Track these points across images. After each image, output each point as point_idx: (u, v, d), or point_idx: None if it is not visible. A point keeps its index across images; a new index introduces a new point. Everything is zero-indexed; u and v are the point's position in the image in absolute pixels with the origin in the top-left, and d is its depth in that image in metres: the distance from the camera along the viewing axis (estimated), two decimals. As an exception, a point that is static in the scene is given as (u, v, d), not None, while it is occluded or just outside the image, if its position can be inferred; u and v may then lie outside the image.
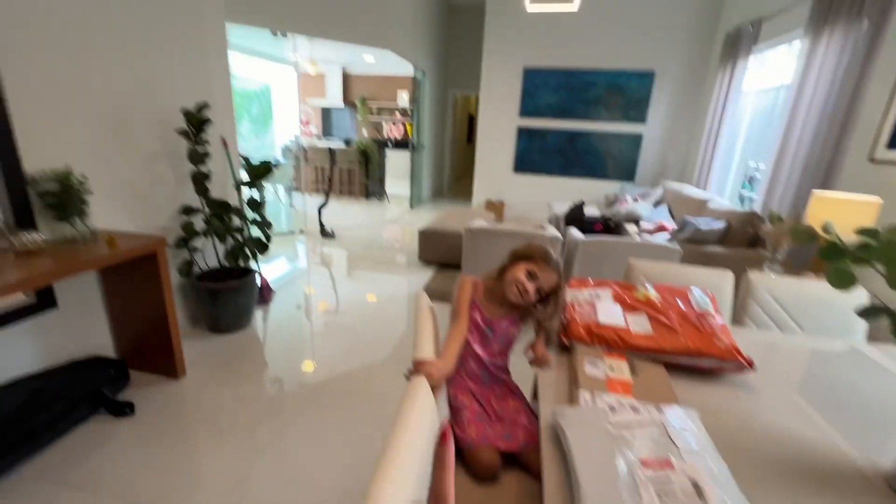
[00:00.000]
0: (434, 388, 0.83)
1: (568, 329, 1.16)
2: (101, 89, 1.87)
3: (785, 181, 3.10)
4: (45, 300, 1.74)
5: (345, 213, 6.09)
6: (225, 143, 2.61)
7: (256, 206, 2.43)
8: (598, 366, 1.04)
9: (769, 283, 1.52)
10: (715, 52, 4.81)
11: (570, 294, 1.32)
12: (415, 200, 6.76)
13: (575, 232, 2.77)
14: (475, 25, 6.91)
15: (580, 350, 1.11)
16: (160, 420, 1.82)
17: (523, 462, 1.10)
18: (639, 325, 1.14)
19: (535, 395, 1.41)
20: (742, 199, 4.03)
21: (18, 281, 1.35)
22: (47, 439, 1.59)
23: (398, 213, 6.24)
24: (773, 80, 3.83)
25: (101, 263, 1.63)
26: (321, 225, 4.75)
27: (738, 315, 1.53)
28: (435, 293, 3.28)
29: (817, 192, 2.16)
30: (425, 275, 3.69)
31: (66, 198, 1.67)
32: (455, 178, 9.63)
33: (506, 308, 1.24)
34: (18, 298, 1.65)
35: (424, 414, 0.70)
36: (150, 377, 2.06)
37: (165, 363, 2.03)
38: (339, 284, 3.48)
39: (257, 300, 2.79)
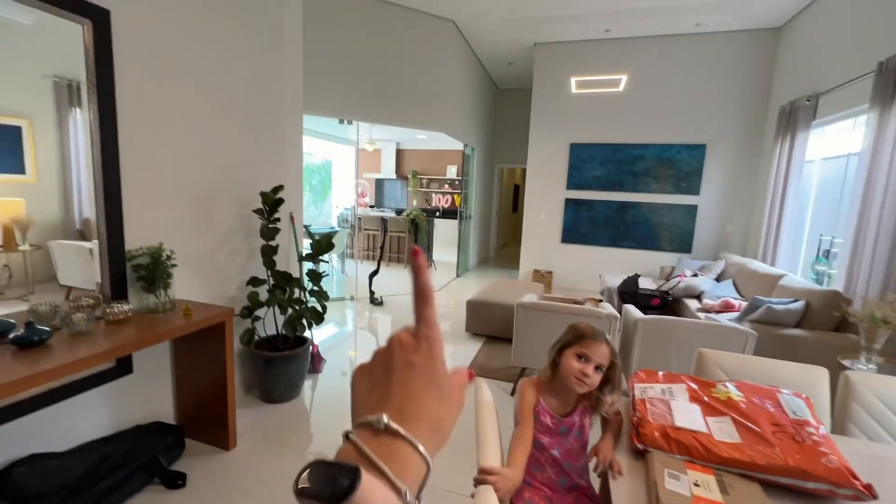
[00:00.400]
0: (501, 501, 0.77)
1: (640, 430, 1.06)
2: (194, 174, 2.13)
3: (871, 256, 2.83)
4: (123, 366, 1.86)
5: (393, 279, 6.23)
6: (292, 219, 2.83)
7: (316, 277, 2.56)
8: (680, 479, 0.93)
9: (872, 382, 1.33)
10: (769, 124, 4.75)
11: (639, 388, 1.23)
12: (461, 268, 6.83)
13: (633, 310, 2.64)
14: (520, 104, 7.37)
15: (656, 458, 1.00)
16: (209, 494, 1.80)
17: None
18: (723, 432, 1.02)
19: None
20: (818, 274, 3.71)
21: (109, 349, 1.47)
22: (105, 508, 1.61)
23: (445, 281, 6.29)
24: (840, 148, 3.68)
25: (178, 333, 1.74)
26: (371, 292, 4.87)
27: (839, 421, 1.34)
28: (484, 368, 3.18)
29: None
30: (472, 346, 3.61)
31: (155, 271, 1.85)
32: (500, 245, 9.72)
33: (573, 401, 1.18)
34: (102, 364, 1.78)
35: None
36: (202, 447, 2.08)
37: (219, 434, 2.06)
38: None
39: (308, 369, 2.83)
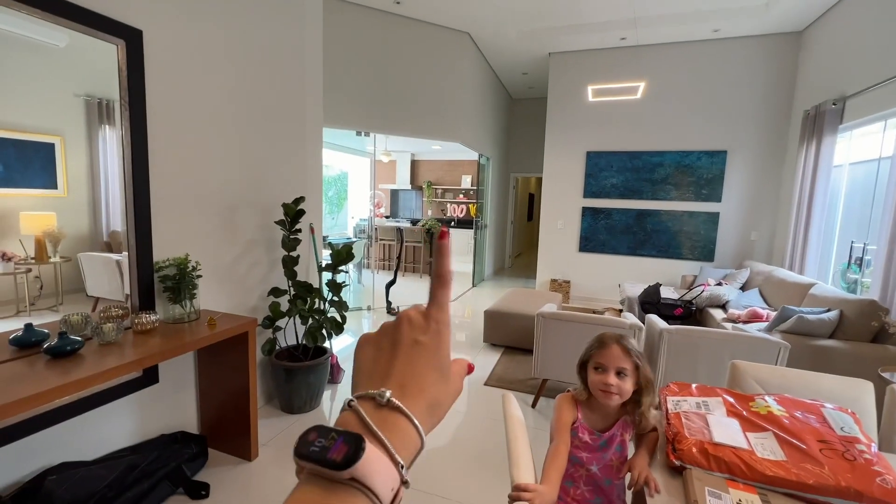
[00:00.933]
0: None
1: (677, 446, 1.02)
2: (219, 186, 2.17)
3: (907, 266, 2.72)
4: (150, 376, 1.89)
5: (409, 289, 6.24)
6: (312, 230, 2.86)
7: (337, 287, 2.57)
8: (722, 499, 0.89)
9: (923, 397, 1.26)
10: (793, 129, 4.64)
11: (672, 402, 1.19)
12: (477, 277, 6.80)
13: (657, 320, 2.58)
14: (535, 114, 7.37)
15: (695, 475, 0.96)
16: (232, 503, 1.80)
17: None
18: (766, 449, 0.98)
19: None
20: (850, 283, 3.57)
21: (138, 359, 1.49)
22: (130, 518, 1.62)
23: (461, 291, 6.27)
24: (870, 152, 3.56)
25: (203, 343, 1.76)
26: (388, 302, 4.88)
27: (886, 438, 1.26)
28: (503, 380, 3.13)
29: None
30: (491, 357, 3.56)
31: (181, 281, 1.88)
32: (516, 255, 9.66)
33: (613, 415, 1.14)
34: (130, 373, 1.81)
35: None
36: (225, 457, 2.09)
37: (241, 444, 2.06)
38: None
39: (328, 380, 2.83)
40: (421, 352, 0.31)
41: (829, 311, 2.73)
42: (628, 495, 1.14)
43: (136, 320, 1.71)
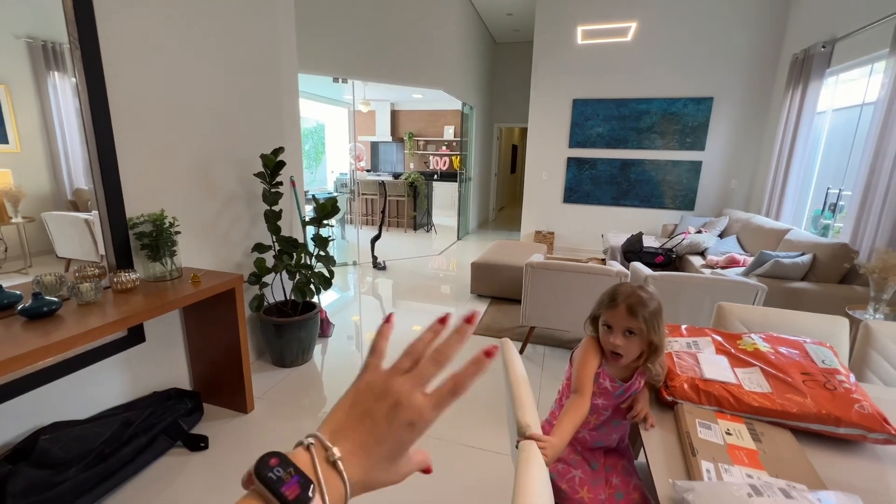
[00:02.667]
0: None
1: (669, 383, 1.06)
2: (190, 137, 2.03)
3: (880, 208, 2.81)
4: (136, 335, 1.85)
5: (394, 244, 6.20)
6: (293, 183, 2.74)
7: (323, 242, 2.51)
8: (712, 429, 0.94)
9: (893, 331, 1.33)
10: (780, 74, 4.58)
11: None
12: (462, 231, 6.79)
13: (641, 267, 2.63)
14: (518, 60, 7.07)
15: (686, 409, 1.00)
16: (230, 455, 1.84)
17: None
18: (753, 383, 1.02)
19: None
20: (823, 227, 3.70)
21: (121, 318, 1.44)
22: (132, 470, 1.64)
23: (446, 244, 6.27)
24: (854, 97, 3.57)
25: (188, 301, 1.71)
26: (374, 257, 4.84)
27: (858, 368, 1.35)
28: (491, 329, 3.21)
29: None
30: (477, 307, 3.62)
31: (159, 239, 1.79)
32: (499, 208, 9.64)
33: (630, 368, 1.11)
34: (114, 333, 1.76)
35: (543, 489, 0.64)
36: (221, 411, 2.11)
37: (236, 398, 2.08)
38: (382, 311, 3.48)
39: (318, 334, 2.84)
40: (386, 434, 0.32)
41: (802, 254, 2.84)
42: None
43: (116, 279, 1.64)
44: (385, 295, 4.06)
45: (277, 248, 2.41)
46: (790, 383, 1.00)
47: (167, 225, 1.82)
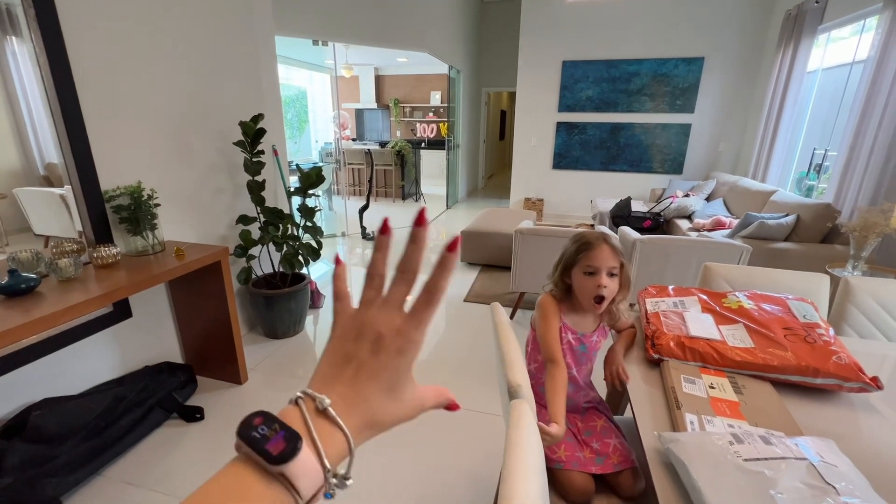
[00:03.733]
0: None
1: (656, 341, 1.08)
2: (165, 107, 1.93)
3: (863, 170, 2.84)
4: (121, 310, 1.82)
5: (382, 214, 6.09)
6: (276, 152, 2.66)
7: (309, 212, 2.46)
8: (696, 383, 0.96)
9: (871, 286, 1.37)
10: (772, 32, 4.49)
11: (651, 302, 1.24)
12: (451, 200, 6.73)
13: (630, 231, 2.65)
14: (506, 21, 6.80)
15: (671, 366, 1.03)
16: (226, 425, 1.87)
17: (612, 483, 1.04)
18: (737, 338, 1.05)
19: (612, 407, 1.34)
20: (807, 188, 3.74)
21: (103, 294, 1.41)
22: (128, 443, 1.66)
23: (436, 214, 6.22)
24: (844, 56, 3.53)
25: (172, 275, 1.68)
26: (362, 228, 4.80)
27: (836, 322, 1.39)
28: (481, 295, 3.24)
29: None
30: (469, 275, 3.65)
31: (138, 211, 1.73)
32: (488, 175, 9.54)
33: (594, 318, 1.17)
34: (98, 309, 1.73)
35: (534, 444, 0.66)
36: (215, 383, 2.12)
37: (229, 370, 2.09)
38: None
39: (309, 305, 2.84)
40: (376, 368, 0.29)
41: (787, 215, 2.88)
42: (600, 387, 1.22)
43: (95, 254, 1.60)
44: (367, 261, 4.04)
45: (263, 219, 2.36)
46: (772, 338, 1.03)
47: (145, 197, 1.76)
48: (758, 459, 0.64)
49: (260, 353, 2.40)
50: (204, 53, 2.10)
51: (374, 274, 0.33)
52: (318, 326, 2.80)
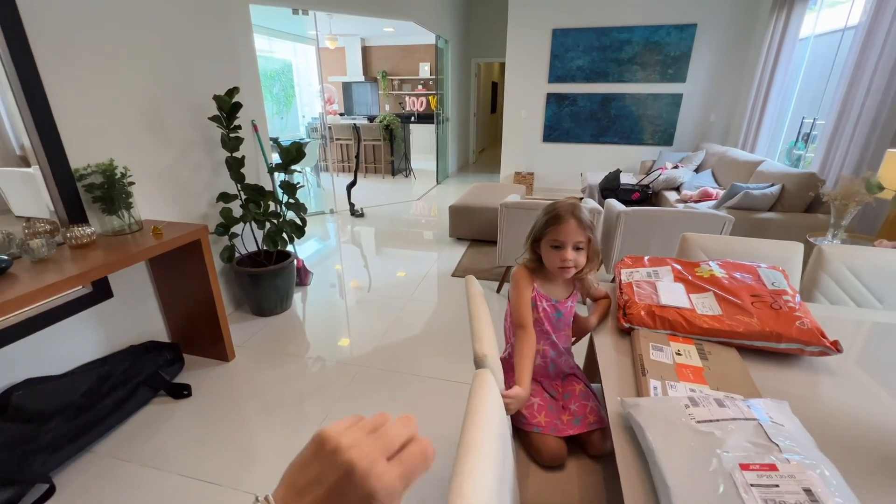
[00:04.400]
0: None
1: (627, 311, 1.10)
2: (134, 81, 1.86)
3: (849, 138, 2.83)
4: (101, 290, 1.81)
5: (372, 190, 6.07)
6: (255, 128, 2.59)
7: (291, 189, 2.43)
8: (663, 350, 0.98)
9: (843, 253, 1.39)
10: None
11: (626, 273, 1.25)
12: (441, 175, 6.66)
13: (615, 203, 2.65)
14: (498, -14, 6.54)
15: (642, 334, 1.05)
16: (215, 400, 1.89)
17: (583, 442, 1.08)
18: (705, 306, 1.07)
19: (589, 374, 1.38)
20: (796, 158, 3.74)
21: (79, 273, 1.40)
22: (115, 421, 1.68)
23: (426, 189, 6.17)
24: (837, 21, 3.45)
25: (150, 254, 1.66)
26: (350, 204, 4.75)
27: (808, 290, 1.42)
28: (469, 270, 3.25)
29: (893, 151, 1.96)
30: (457, 250, 3.65)
31: (112, 190, 1.70)
32: (480, 150, 9.42)
33: (565, 286, 1.20)
34: (78, 290, 1.72)
35: (494, 410, 0.67)
36: (202, 360, 2.14)
37: (216, 347, 2.10)
38: (370, 263, 3.49)
39: (296, 282, 2.84)
40: None
41: (772, 185, 2.89)
42: (578, 357, 1.25)
43: (69, 234, 1.57)
44: (364, 242, 4.03)
45: (244, 196, 2.32)
46: (740, 305, 1.04)
47: (118, 176, 1.72)
48: (710, 421, 0.66)
49: (247, 331, 2.42)
50: (174, 23, 2.01)
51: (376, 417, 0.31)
52: (307, 304, 2.81)
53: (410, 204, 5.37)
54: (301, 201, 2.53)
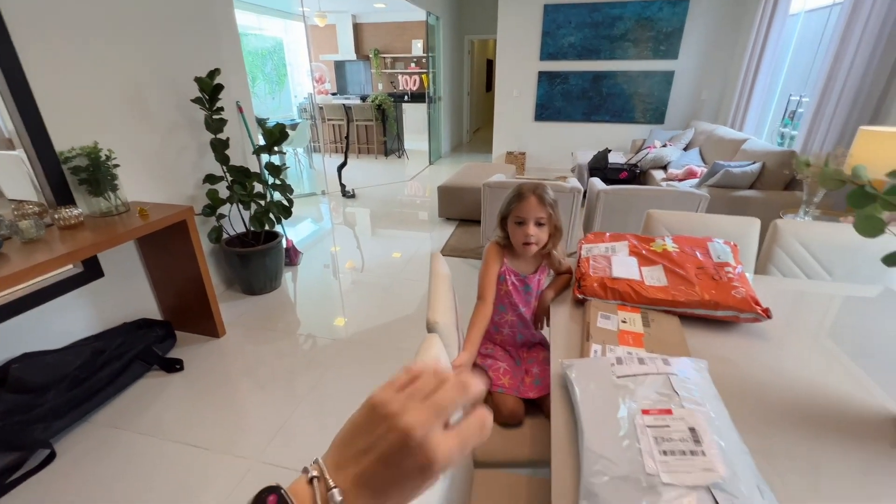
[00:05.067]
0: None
1: (582, 283, 1.17)
2: (115, 64, 1.88)
3: (831, 115, 2.86)
4: (92, 270, 1.88)
5: (364, 171, 6.08)
6: (240, 109, 2.61)
7: (276, 170, 2.47)
8: (610, 319, 1.06)
9: (797, 228, 1.45)
10: (759, -30, 4.30)
11: (586, 248, 1.32)
12: (434, 155, 6.66)
13: (597, 182, 2.69)
14: (490, -41, 6.39)
15: (593, 304, 1.12)
16: (208, 374, 1.99)
17: (542, 404, 1.17)
18: (654, 278, 1.14)
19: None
20: (783, 136, 3.76)
21: (67, 253, 1.46)
22: (111, 392, 1.78)
23: (418, 170, 6.18)
24: (826, -1, 3.42)
25: (137, 234, 1.72)
26: (342, 186, 4.78)
27: (763, 264, 1.49)
28: (456, 249, 3.32)
29: (865, 128, 1.99)
30: (446, 230, 3.71)
31: (97, 172, 1.75)
32: (474, 129, 9.36)
33: (536, 260, 1.27)
34: (69, 269, 1.79)
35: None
36: (194, 337, 2.23)
37: (206, 324, 2.19)
38: (363, 243, 3.56)
39: (286, 262, 2.91)
40: (392, 484, 0.26)
41: (753, 163, 2.93)
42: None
43: (57, 215, 1.63)
44: (355, 223, 4.09)
45: (230, 178, 2.37)
46: (684, 276, 1.11)
47: (103, 158, 1.76)
48: (628, 376, 0.74)
49: (238, 309, 2.50)
50: (154, 3, 2.02)
51: (426, 369, 0.30)
52: (298, 283, 2.88)
53: (403, 185, 5.40)
54: (287, 182, 2.58)
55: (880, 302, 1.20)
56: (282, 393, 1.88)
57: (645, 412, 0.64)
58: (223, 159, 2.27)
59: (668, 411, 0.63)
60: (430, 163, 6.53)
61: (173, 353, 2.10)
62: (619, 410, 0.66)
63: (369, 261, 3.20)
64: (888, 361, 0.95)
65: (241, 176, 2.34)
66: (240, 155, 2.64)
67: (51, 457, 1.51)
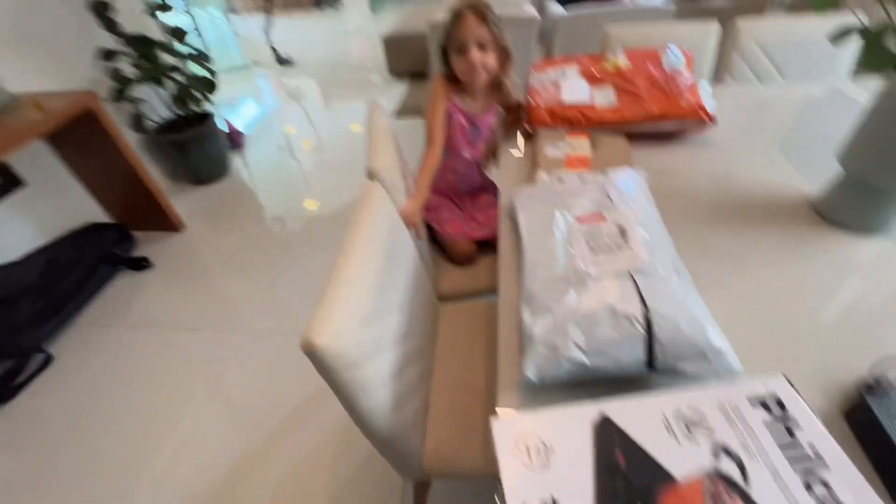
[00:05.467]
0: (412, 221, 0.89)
1: (530, 115, 1.11)
2: None
3: None
4: (8, 179, 1.70)
5: (298, 31, 5.26)
6: (112, -45, 2.07)
7: (180, 35, 2.09)
8: (558, 146, 1.04)
9: (756, 27, 1.36)
10: None
11: (535, 77, 1.22)
12: (376, 3, 5.72)
13: (555, 7, 2.40)
14: None
15: (543, 134, 1.08)
16: (181, 266, 1.99)
17: (494, 244, 1.22)
18: (604, 99, 1.09)
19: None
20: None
21: (-40, 161, 1.29)
22: (87, 295, 1.79)
23: (359, 22, 5.38)
24: None
25: (39, 129, 1.52)
26: (273, 51, 4.18)
27: (720, 72, 1.43)
28: (411, 110, 3.09)
29: None
30: (395, 89, 3.40)
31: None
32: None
33: (484, 98, 1.17)
34: (-20, 181, 1.62)
35: (380, 223, 0.74)
36: (153, 235, 2.16)
37: (161, 220, 2.11)
38: (315, 119, 3.26)
39: (229, 146, 2.69)
40: None
41: (727, -37, 2.61)
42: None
43: (-70, 118, 1.39)
44: (302, 95, 3.68)
45: (129, 51, 2.00)
46: (635, 93, 1.06)
47: (-45, 38, 1.43)
48: (567, 193, 0.75)
49: (192, 201, 2.38)
50: None
51: None
52: (250, 166, 2.71)
53: (345, 42, 4.74)
54: (203, 51, 2.21)
55: (825, 100, 1.20)
56: (262, 273, 1.91)
57: (580, 219, 0.66)
58: (109, 25, 1.89)
59: (601, 216, 0.65)
60: (373, 12, 5.65)
61: (136, 253, 2.06)
62: (556, 223, 0.68)
63: (326, 137, 2.98)
64: (818, 154, 0.99)
65: (141, 46, 1.98)
66: (135, 22, 2.19)
67: (48, 360, 1.58)
